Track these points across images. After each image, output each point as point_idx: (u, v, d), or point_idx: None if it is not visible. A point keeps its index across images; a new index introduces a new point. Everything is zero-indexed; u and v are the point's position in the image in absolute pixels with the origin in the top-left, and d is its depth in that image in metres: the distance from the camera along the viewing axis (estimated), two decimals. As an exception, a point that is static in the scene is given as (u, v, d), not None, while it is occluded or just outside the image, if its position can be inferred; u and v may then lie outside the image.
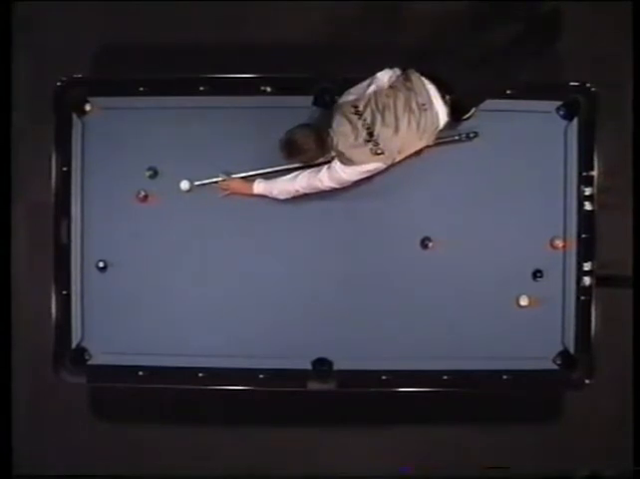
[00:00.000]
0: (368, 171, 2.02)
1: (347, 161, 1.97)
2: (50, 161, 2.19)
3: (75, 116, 2.21)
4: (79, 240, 2.24)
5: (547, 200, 2.22)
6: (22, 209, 2.79)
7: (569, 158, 2.21)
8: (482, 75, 2.01)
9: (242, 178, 2.18)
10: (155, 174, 2.22)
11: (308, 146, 1.93)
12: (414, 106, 1.95)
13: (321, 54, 2.68)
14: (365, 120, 1.93)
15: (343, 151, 1.96)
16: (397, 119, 1.93)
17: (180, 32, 2.78)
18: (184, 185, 2.20)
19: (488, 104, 2.12)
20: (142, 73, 2.30)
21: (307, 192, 2.10)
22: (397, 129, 1.94)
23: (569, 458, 2.81)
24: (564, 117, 2.21)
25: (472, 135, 2.17)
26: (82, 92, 2.21)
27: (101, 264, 2.23)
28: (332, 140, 1.96)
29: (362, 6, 2.77)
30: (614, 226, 2.53)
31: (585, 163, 2.20)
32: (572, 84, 2.18)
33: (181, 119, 2.21)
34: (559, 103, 2.20)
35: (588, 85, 2.17)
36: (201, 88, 2.18)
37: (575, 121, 2.20)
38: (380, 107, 1.94)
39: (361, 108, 1.95)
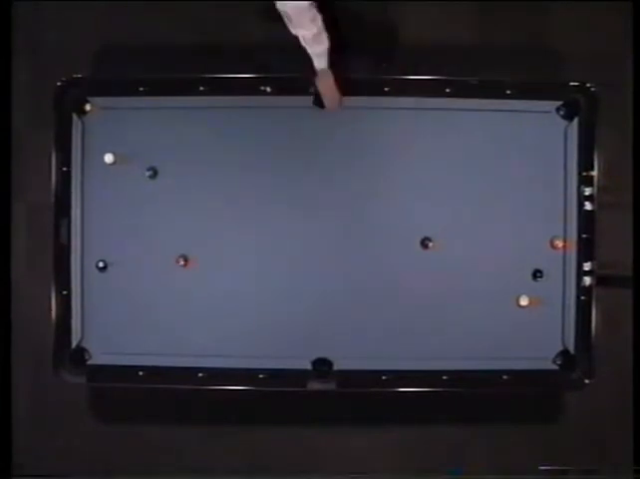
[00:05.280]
0: None
1: None
2: (50, 161, 2.19)
3: (75, 116, 2.21)
4: (79, 240, 2.23)
5: (547, 200, 2.22)
6: (22, 209, 2.79)
7: (569, 158, 2.21)
8: None
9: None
10: (154, 174, 2.22)
11: None
12: None
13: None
14: None
15: None
16: None
17: (180, 32, 2.78)
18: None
19: (488, 104, 2.12)
20: (142, 73, 2.30)
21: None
22: None
23: (569, 458, 2.81)
24: (564, 117, 2.21)
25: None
26: (82, 92, 2.21)
27: (101, 264, 2.23)
28: None
29: (362, 6, 2.76)
30: (614, 226, 2.53)
31: (585, 163, 2.19)
32: (572, 84, 2.18)
33: (181, 119, 2.21)
34: (559, 103, 2.20)
35: (588, 85, 2.16)
36: (201, 88, 2.18)
37: (575, 121, 2.20)
38: None
39: None
